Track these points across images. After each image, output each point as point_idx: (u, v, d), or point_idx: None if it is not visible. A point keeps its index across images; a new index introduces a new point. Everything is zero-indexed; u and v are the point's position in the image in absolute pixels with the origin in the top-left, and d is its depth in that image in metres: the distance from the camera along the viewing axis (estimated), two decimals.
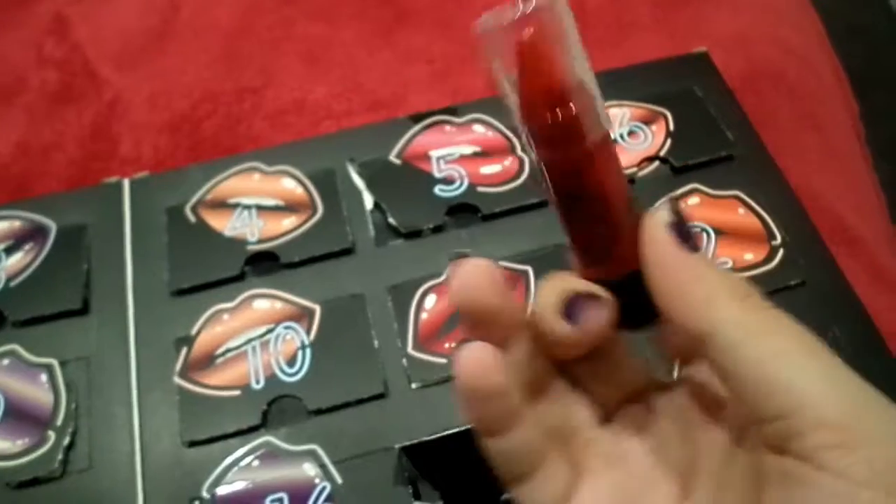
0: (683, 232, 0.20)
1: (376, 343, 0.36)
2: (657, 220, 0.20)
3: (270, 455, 0.34)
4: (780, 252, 0.38)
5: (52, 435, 0.34)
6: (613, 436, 0.22)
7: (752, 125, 0.43)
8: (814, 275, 0.38)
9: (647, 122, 0.43)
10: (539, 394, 0.22)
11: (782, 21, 0.51)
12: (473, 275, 0.20)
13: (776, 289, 0.37)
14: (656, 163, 0.42)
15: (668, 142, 0.42)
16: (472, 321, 0.20)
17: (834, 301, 0.37)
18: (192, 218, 0.41)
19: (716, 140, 0.42)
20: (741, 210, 0.40)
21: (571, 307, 0.20)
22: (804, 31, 0.52)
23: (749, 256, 0.38)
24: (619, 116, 0.43)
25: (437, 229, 0.40)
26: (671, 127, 0.43)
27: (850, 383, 0.18)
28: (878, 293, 0.40)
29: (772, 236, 0.39)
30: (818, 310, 0.37)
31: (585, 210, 0.20)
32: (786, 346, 0.18)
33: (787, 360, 0.18)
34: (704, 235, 0.39)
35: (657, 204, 0.20)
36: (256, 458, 0.34)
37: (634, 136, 0.43)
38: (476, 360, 0.20)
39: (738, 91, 0.45)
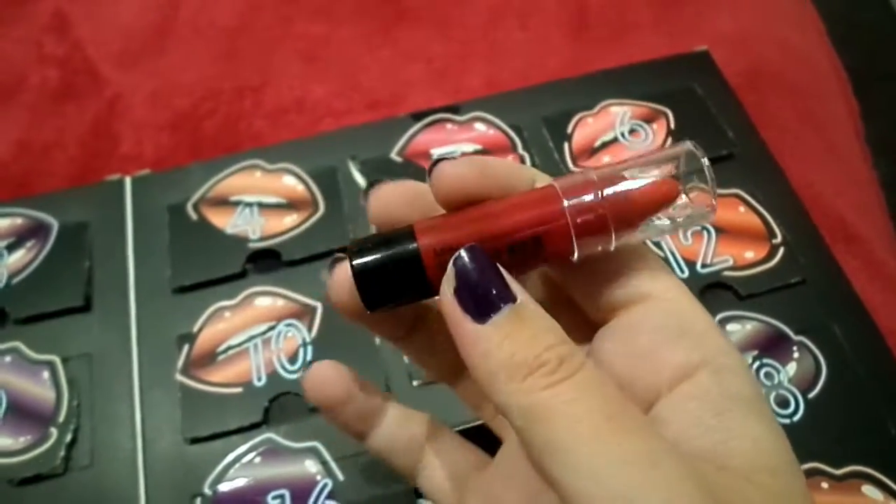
0: (470, 295, 0.18)
1: (377, 340, 0.36)
2: (444, 282, 0.18)
3: (272, 452, 0.34)
4: (781, 250, 0.38)
5: (54, 432, 0.34)
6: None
7: (753, 124, 0.43)
8: (814, 273, 0.38)
9: (649, 120, 0.43)
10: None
11: (782, 20, 0.51)
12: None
13: (776, 287, 0.37)
14: None
15: (669, 140, 0.42)
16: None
17: (834, 299, 0.37)
18: (193, 216, 0.41)
19: (716, 138, 0.42)
20: (742, 208, 0.40)
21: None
22: (804, 30, 0.52)
23: (749, 255, 0.38)
24: (621, 115, 0.43)
25: None
26: (672, 125, 0.43)
27: (622, 472, 0.15)
28: (878, 290, 0.40)
29: (772, 234, 0.39)
30: (818, 307, 0.37)
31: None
32: (553, 436, 0.16)
33: (553, 455, 0.16)
34: (704, 234, 0.39)
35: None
36: (258, 454, 0.34)
37: (635, 134, 0.43)
38: (318, 376, 0.23)
39: (738, 90, 0.45)
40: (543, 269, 0.23)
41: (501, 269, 0.18)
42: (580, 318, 0.21)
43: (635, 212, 0.19)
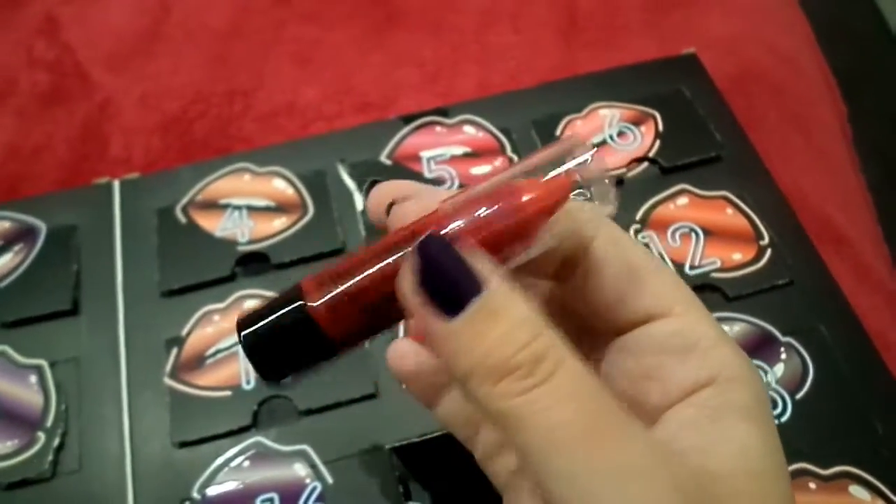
0: (436, 288, 0.16)
1: (366, 344, 0.36)
2: (403, 274, 0.17)
3: (261, 455, 0.34)
4: (768, 252, 0.38)
5: (41, 436, 0.34)
6: None
7: (741, 126, 0.43)
8: (801, 274, 0.38)
9: (637, 123, 0.43)
10: None
11: (770, 23, 0.52)
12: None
13: (764, 288, 0.37)
14: (645, 164, 0.42)
15: (657, 143, 0.42)
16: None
17: (821, 300, 0.37)
18: (182, 219, 0.41)
19: (704, 141, 0.42)
20: (729, 210, 0.40)
21: None
22: (792, 33, 0.52)
23: (737, 256, 0.38)
24: (609, 117, 0.44)
25: None
26: (660, 128, 0.43)
27: (601, 482, 0.15)
28: (865, 293, 0.40)
29: (760, 236, 0.39)
30: (805, 309, 0.37)
31: None
32: (530, 442, 0.16)
33: (530, 461, 0.16)
34: (692, 236, 0.39)
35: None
36: (247, 458, 0.34)
37: (624, 136, 0.43)
38: (399, 352, 0.23)
39: (726, 93, 0.45)
40: (547, 285, 0.22)
41: (473, 251, 0.17)
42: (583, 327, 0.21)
43: (529, 219, 0.18)
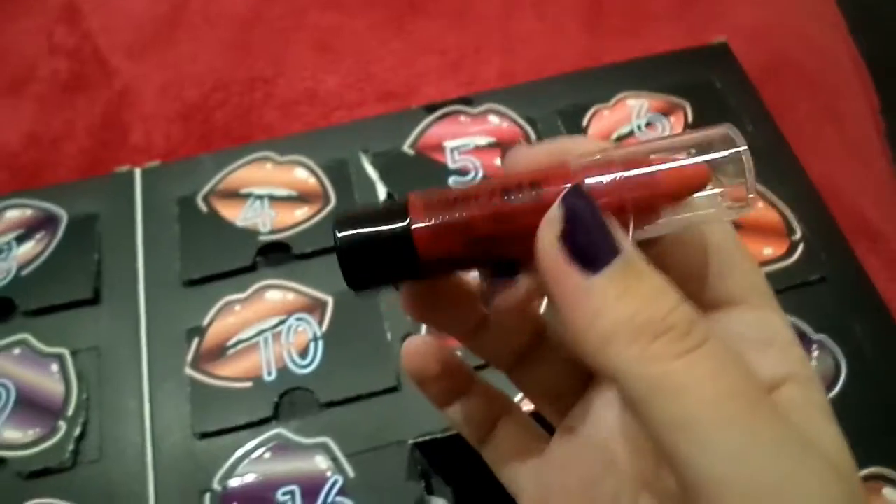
0: (579, 242, 0.15)
1: (389, 335, 0.36)
2: (544, 226, 0.16)
3: (282, 447, 0.33)
4: (801, 247, 0.37)
5: (63, 425, 0.34)
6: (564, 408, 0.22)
7: (772, 117, 0.42)
8: (834, 270, 0.37)
9: (666, 112, 0.42)
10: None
11: (802, 12, 0.50)
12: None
13: (796, 284, 0.36)
14: None
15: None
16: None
17: (855, 296, 0.36)
18: (203, 208, 0.40)
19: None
20: (760, 204, 0.39)
21: None
22: (824, 23, 0.51)
23: (769, 251, 0.37)
24: (638, 107, 0.43)
25: None
26: (690, 118, 0.42)
27: (765, 458, 0.14)
28: None
29: (792, 231, 0.38)
30: (839, 305, 0.36)
31: None
32: (690, 413, 0.14)
33: (688, 434, 0.14)
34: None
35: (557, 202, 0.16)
36: (268, 450, 0.33)
37: (652, 127, 0.42)
38: (414, 350, 0.22)
39: (757, 82, 0.44)
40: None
41: (608, 213, 0.16)
42: None
43: (658, 197, 0.16)
